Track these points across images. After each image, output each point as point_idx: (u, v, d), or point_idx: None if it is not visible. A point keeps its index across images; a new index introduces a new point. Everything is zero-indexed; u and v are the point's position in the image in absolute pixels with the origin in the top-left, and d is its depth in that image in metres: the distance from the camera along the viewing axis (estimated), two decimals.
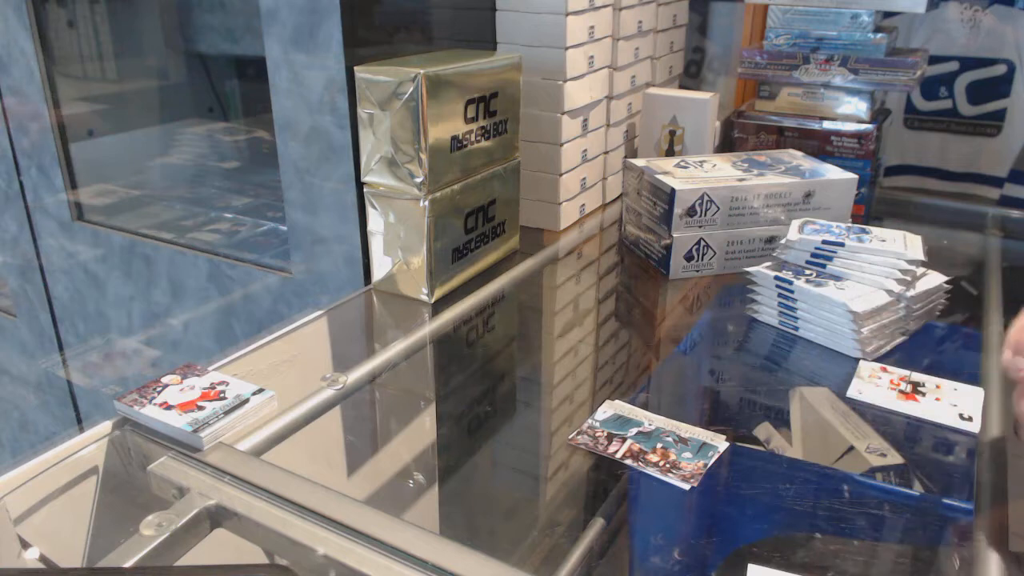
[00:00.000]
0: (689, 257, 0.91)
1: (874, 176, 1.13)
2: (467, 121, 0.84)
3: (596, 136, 1.09)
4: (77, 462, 0.59)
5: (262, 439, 0.62)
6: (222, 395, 0.63)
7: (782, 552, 0.51)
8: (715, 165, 0.96)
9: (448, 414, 0.71)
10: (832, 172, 0.94)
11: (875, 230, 0.81)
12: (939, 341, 0.80)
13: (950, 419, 0.65)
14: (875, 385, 0.69)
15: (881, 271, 0.76)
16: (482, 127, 0.87)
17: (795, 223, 0.83)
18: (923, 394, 0.68)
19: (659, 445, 0.61)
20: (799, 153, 1.03)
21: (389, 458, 0.66)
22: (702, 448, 0.60)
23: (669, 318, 0.87)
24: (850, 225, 0.83)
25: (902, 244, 0.78)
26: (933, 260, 0.79)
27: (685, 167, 0.95)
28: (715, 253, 0.92)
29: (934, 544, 0.55)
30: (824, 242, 0.79)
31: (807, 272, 0.79)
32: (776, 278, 0.79)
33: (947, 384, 0.69)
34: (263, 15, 0.91)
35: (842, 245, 0.78)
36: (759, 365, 0.77)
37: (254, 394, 0.64)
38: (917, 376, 0.71)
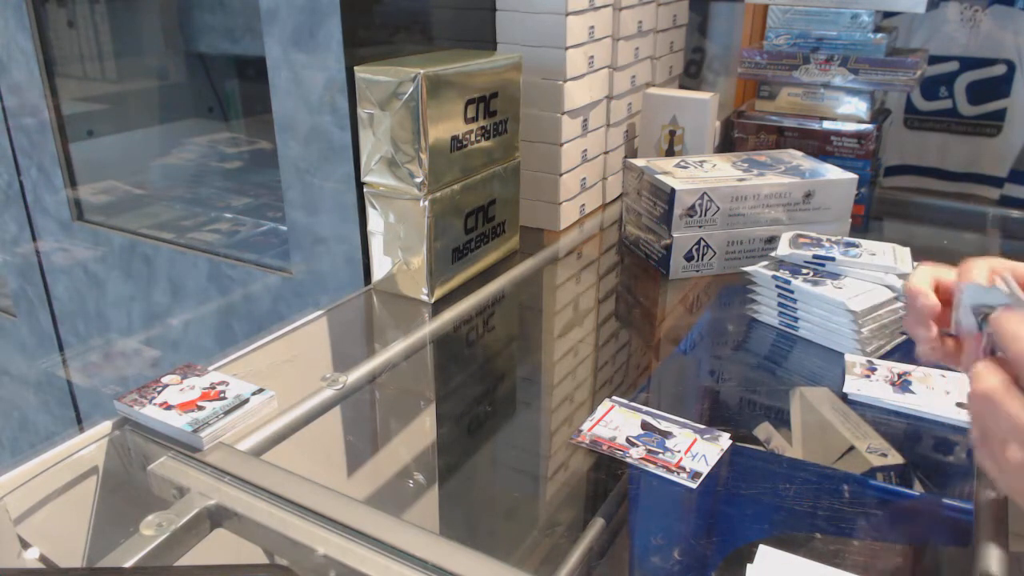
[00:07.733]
0: (689, 257, 0.91)
1: (874, 176, 1.13)
2: (467, 121, 0.84)
3: (596, 136, 1.09)
4: (77, 462, 0.59)
5: (262, 439, 0.62)
6: (222, 395, 0.63)
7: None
8: (715, 165, 0.96)
9: (448, 414, 0.71)
10: (832, 172, 0.94)
11: (864, 242, 0.82)
12: None
13: (947, 408, 0.65)
14: (868, 380, 0.69)
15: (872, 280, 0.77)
16: (482, 127, 0.87)
17: (785, 236, 0.84)
18: (915, 384, 0.68)
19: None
20: (799, 153, 1.03)
21: (389, 458, 0.66)
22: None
23: (669, 318, 0.87)
24: (841, 239, 0.83)
25: (892, 257, 0.78)
26: (933, 260, 0.78)
27: (685, 167, 0.95)
28: (715, 253, 0.92)
29: (934, 544, 0.55)
30: (815, 256, 0.79)
31: (804, 271, 0.79)
32: (775, 278, 0.79)
33: (936, 373, 0.70)
34: (263, 15, 0.91)
35: (832, 259, 0.79)
36: (759, 365, 0.77)
37: (254, 394, 0.64)
38: (906, 367, 0.71)
